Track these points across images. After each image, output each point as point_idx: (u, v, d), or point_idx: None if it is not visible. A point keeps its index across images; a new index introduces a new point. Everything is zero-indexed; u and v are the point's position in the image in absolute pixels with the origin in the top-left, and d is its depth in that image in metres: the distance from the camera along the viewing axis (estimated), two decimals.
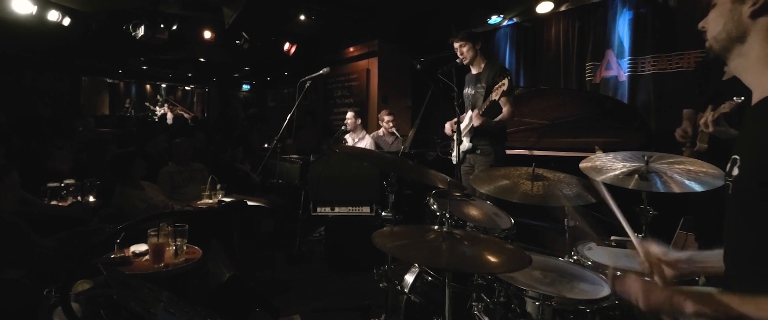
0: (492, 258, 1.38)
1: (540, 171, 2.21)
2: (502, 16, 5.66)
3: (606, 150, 2.85)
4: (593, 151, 3.26)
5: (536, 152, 4.32)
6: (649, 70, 4.45)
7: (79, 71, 11.77)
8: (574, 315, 1.50)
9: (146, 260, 2.39)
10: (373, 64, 7.63)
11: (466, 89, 3.50)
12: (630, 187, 1.91)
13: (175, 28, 6.51)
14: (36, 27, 6.06)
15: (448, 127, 3.41)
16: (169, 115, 14.36)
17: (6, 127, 6.33)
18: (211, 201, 3.69)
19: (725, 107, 2.13)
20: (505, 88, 2.97)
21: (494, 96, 3.05)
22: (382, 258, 2.17)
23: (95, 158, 5.09)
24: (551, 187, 2.11)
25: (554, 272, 1.77)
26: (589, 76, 4.96)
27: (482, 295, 1.76)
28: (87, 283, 1.49)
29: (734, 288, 1.00)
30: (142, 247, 2.47)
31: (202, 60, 10.39)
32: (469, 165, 3.41)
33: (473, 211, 2.30)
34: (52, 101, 10.51)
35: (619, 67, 4.70)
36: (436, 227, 1.59)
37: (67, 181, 3.59)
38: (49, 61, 10.08)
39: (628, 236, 1.27)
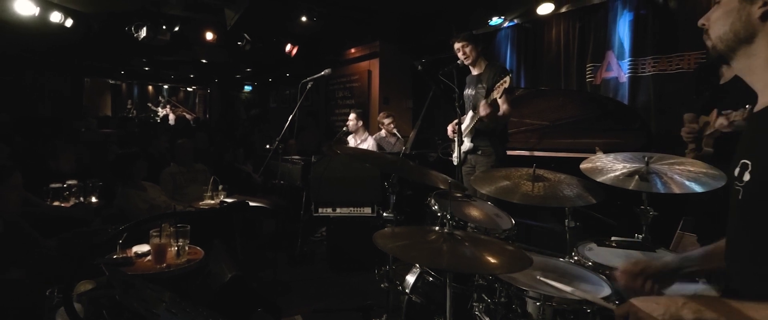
0: (493, 259, 1.39)
1: (541, 172, 2.22)
2: (502, 17, 5.67)
3: (606, 151, 2.86)
4: (594, 152, 3.27)
5: (537, 153, 4.33)
6: (649, 72, 4.44)
7: (82, 72, 11.79)
8: (575, 316, 1.51)
9: (148, 260, 2.40)
10: (374, 65, 7.63)
11: (467, 90, 3.51)
12: (630, 188, 1.91)
13: (177, 29, 6.54)
14: (38, 28, 6.08)
15: (450, 129, 3.41)
16: (171, 116, 14.41)
17: (9, 127, 6.33)
18: (213, 201, 3.70)
19: (738, 115, 2.10)
20: (506, 85, 2.99)
21: (495, 94, 3.06)
22: (383, 258, 2.18)
23: (97, 159, 5.11)
24: (552, 188, 2.11)
25: (555, 272, 1.77)
26: (589, 78, 4.97)
27: (483, 296, 1.76)
28: (89, 284, 1.50)
29: (742, 292, 0.99)
30: (144, 248, 2.47)
31: (204, 61, 10.42)
32: (471, 166, 3.42)
33: (474, 212, 2.30)
34: (53, 102, 10.52)
35: (620, 69, 4.70)
36: (437, 228, 1.59)
37: (69, 182, 3.60)
38: (50, 61, 10.09)
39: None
